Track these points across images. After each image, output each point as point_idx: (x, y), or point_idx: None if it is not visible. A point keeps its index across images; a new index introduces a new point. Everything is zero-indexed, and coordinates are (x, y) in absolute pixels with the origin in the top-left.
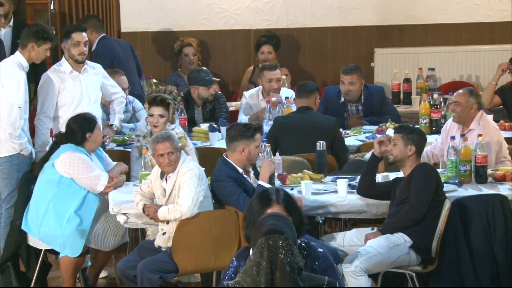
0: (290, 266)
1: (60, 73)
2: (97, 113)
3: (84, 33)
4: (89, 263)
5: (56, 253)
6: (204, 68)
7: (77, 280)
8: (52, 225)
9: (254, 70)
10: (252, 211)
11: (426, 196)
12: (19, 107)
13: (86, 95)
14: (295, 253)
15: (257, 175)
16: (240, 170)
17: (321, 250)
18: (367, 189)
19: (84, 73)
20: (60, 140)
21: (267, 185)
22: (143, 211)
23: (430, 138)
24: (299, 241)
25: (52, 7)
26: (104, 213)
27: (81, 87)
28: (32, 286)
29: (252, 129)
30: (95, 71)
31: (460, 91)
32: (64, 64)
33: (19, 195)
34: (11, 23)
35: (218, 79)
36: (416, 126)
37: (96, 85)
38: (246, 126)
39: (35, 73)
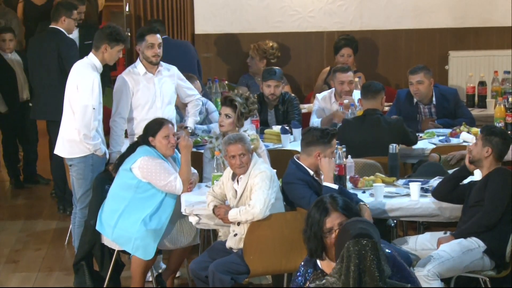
0: (378, 271)
1: (134, 75)
2: (171, 115)
3: (158, 35)
4: (162, 264)
5: (129, 253)
6: (274, 67)
7: (151, 282)
8: (127, 228)
9: (330, 72)
10: (312, 223)
11: (501, 202)
12: (93, 109)
13: (160, 96)
14: (383, 259)
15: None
16: (312, 173)
17: (389, 251)
18: (444, 194)
19: (158, 75)
20: (138, 141)
21: (334, 186)
22: (213, 212)
23: None
24: None
25: (127, 10)
26: (178, 214)
27: (154, 89)
28: (105, 285)
29: (330, 136)
30: (170, 73)
31: None
32: (138, 66)
33: (93, 195)
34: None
35: (277, 77)
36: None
37: (170, 87)
38: (324, 132)
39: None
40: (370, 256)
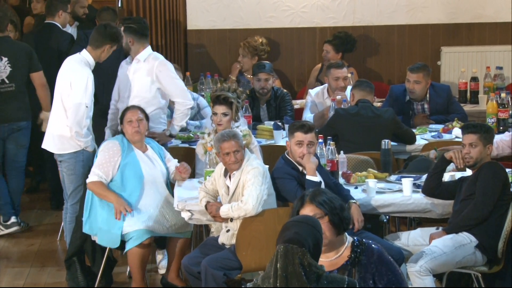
0: (305, 277)
1: (125, 63)
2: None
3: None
4: (157, 255)
5: (121, 249)
6: (265, 62)
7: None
8: (93, 219)
9: (321, 68)
10: (292, 214)
11: (492, 195)
12: (86, 107)
13: (126, 86)
14: (313, 264)
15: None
16: (301, 168)
17: (376, 246)
18: (432, 189)
19: (134, 64)
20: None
21: (315, 178)
22: (206, 208)
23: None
24: (352, 239)
25: (120, 5)
26: (160, 200)
27: (126, 78)
28: (97, 280)
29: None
30: (148, 65)
31: None
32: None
33: (84, 191)
34: None
35: (267, 70)
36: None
37: (142, 79)
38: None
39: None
40: (298, 262)
